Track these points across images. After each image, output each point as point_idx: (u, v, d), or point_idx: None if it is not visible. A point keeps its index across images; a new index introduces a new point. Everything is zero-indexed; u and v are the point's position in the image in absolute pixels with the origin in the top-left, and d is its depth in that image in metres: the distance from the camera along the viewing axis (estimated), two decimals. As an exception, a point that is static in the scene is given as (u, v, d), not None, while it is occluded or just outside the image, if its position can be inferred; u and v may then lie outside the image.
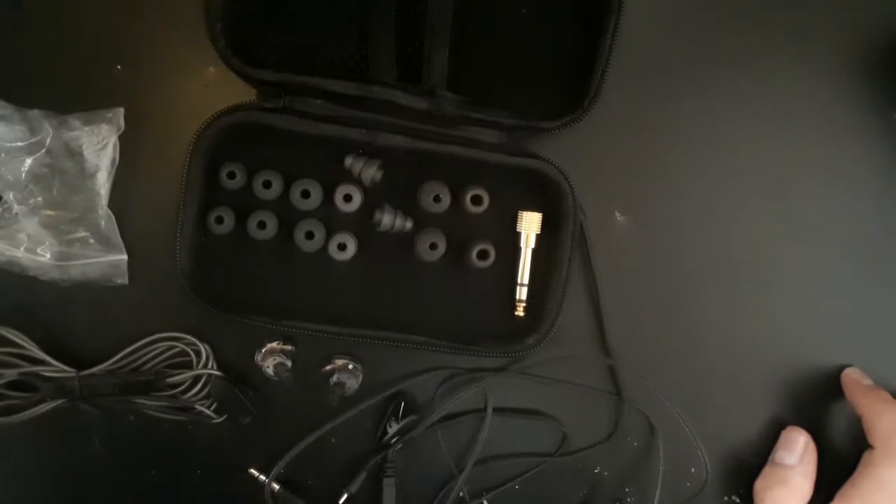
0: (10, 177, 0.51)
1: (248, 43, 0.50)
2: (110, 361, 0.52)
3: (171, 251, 0.51)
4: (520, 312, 0.54)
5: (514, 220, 0.54)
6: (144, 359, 0.53)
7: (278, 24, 0.52)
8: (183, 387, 0.52)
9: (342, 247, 0.53)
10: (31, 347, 0.52)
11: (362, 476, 0.55)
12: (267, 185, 0.52)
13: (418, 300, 0.55)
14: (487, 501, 0.56)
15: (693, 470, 0.57)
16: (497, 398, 0.55)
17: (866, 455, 0.51)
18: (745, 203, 0.56)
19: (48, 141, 0.51)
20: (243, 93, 0.51)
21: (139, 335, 0.52)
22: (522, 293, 0.54)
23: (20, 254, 0.51)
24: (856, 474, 0.51)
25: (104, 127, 0.52)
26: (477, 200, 0.53)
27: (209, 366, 0.53)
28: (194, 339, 0.53)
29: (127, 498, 0.56)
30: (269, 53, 0.51)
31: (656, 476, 0.56)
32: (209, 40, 0.49)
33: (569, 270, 0.53)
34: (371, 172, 0.53)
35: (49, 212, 0.52)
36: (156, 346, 0.52)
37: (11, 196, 0.51)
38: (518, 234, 0.54)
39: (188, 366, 0.53)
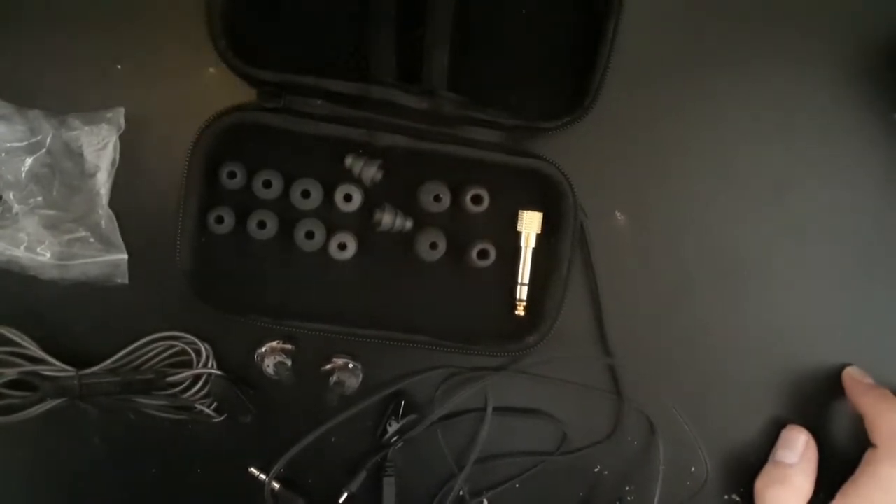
0: (10, 176, 0.51)
1: (248, 43, 0.50)
2: (110, 361, 0.52)
3: (171, 251, 0.51)
4: (520, 312, 0.54)
5: (514, 220, 0.54)
6: (144, 358, 0.53)
7: (278, 24, 0.52)
8: (183, 386, 0.52)
9: (342, 246, 0.53)
10: (30, 347, 0.52)
11: (362, 475, 0.55)
12: (267, 184, 0.52)
13: (418, 300, 0.55)
14: (487, 500, 0.56)
15: (693, 469, 0.57)
16: (497, 397, 0.56)
17: (868, 454, 0.52)
18: (746, 203, 0.56)
19: (48, 141, 0.51)
20: (243, 93, 0.51)
21: (139, 334, 0.52)
22: (522, 293, 0.54)
23: (20, 253, 0.51)
24: (857, 473, 0.51)
25: (104, 127, 0.52)
26: (477, 200, 0.53)
27: (209, 365, 0.53)
28: (194, 339, 0.53)
29: (127, 497, 0.56)
30: (269, 53, 0.51)
31: (656, 475, 0.56)
32: (209, 40, 0.49)
33: (569, 270, 0.53)
34: (371, 172, 0.53)
35: (49, 211, 0.52)
36: (156, 345, 0.52)
37: (11, 196, 0.51)
38: (518, 234, 0.54)
39: (188, 365, 0.53)
